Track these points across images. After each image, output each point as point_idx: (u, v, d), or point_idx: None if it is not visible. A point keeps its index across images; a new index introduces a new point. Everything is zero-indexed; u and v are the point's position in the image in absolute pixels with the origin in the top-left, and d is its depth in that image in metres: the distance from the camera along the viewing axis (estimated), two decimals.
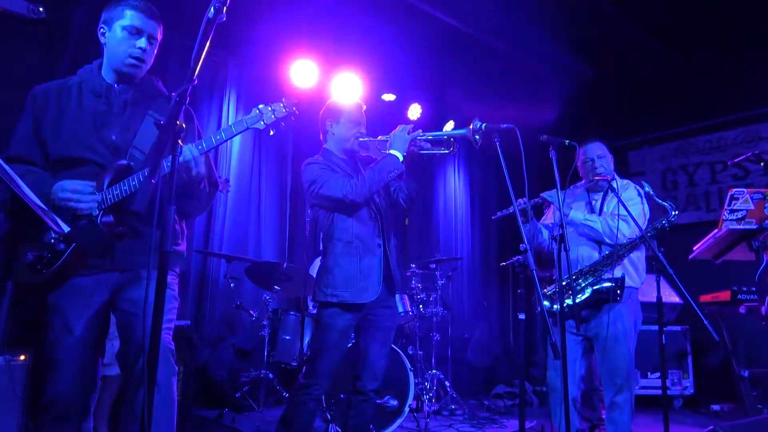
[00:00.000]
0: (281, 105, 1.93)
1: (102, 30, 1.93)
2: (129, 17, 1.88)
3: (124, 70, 1.91)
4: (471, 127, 2.41)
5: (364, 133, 2.70)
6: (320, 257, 2.70)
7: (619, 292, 2.79)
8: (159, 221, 1.34)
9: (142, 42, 1.89)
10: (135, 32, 1.89)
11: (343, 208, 2.53)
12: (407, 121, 3.08)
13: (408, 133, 2.55)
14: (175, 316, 1.97)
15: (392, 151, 2.52)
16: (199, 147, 1.81)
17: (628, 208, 2.77)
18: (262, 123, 1.91)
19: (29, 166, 1.85)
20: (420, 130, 2.58)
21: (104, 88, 1.93)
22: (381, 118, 6.14)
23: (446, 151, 2.61)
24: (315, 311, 2.86)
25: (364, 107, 2.75)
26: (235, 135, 1.90)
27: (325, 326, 2.49)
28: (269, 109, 1.92)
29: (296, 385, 2.51)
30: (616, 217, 2.88)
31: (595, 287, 2.84)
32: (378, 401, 3.56)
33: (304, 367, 2.53)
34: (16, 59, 3.56)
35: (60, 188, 1.77)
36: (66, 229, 1.72)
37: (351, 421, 2.57)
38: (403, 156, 2.52)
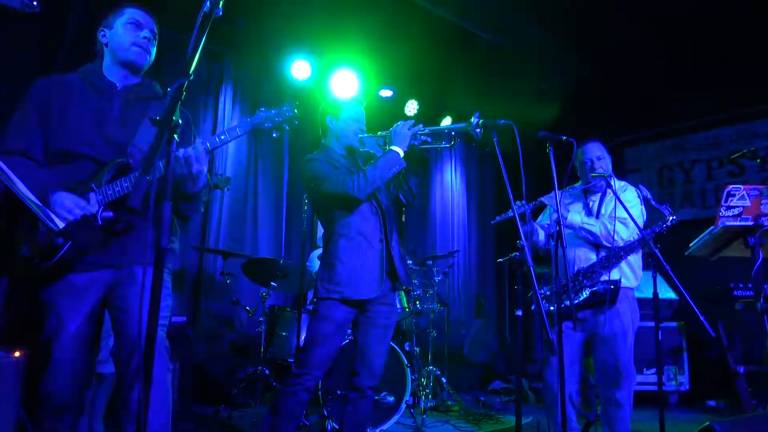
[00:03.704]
0: (286, 108, 2.03)
1: (103, 33, 2.01)
2: (129, 14, 1.99)
3: (131, 58, 1.97)
4: (472, 120, 2.39)
5: (364, 130, 2.69)
6: (319, 251, 2.68)
7: (615, 294, 2.79)
8: (155, 218, 1.33)
9: (145, 32, 1.98)
10: (137, 25, 1.98)
11: (344, 203, 2.52)
12: (404, 117, 3.07)
13: (408, 129, 2.53)
14: (169, 313, 1.97)
15: (393, 147, 2.50)
16: (204, 145, 1.82)
17: (627, 209, 2.76)
18: (267, 124, 2.00)
19: (25, 159, 1.83)
20: (421, 125, 2.57)
21: (106, 86, 1.96)
22: (378, 115, 6.16)
23: (447, 146, 2.59)
24: (312, 308, 2.84)
25: (364, 104, 2.75)
26: (240, 136, 1.95)
27: (322, 317, 2.48)
28: (274, 111, 2.00)
29: (288, 375, 2.50)
30: (614, 220, 2.87)
31: (592, 289, 2.84)
32: (375, 397, 3.58)
33: (298, 357, 2.51)
34: (10, 58, 3.54)
35: (60, 203, 1.75)
36: (60, 225, 1.70)
37: (347, 417, 2.57)
38: (404, 152, 2.51)
